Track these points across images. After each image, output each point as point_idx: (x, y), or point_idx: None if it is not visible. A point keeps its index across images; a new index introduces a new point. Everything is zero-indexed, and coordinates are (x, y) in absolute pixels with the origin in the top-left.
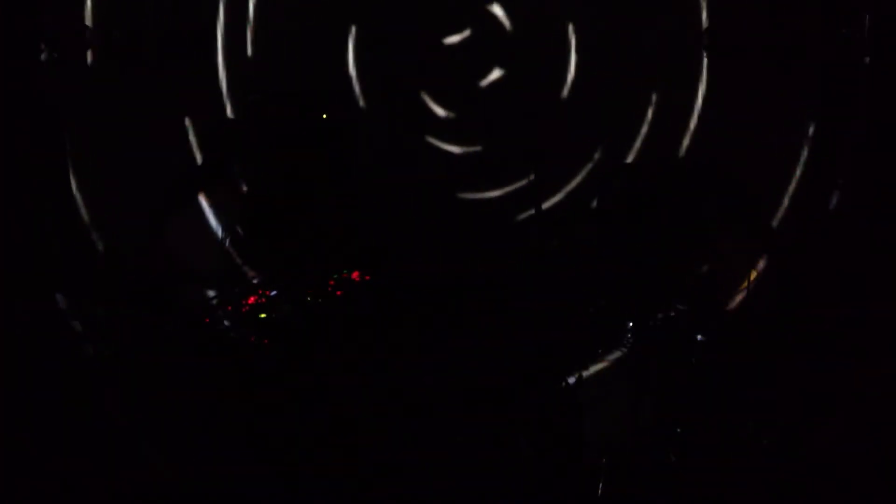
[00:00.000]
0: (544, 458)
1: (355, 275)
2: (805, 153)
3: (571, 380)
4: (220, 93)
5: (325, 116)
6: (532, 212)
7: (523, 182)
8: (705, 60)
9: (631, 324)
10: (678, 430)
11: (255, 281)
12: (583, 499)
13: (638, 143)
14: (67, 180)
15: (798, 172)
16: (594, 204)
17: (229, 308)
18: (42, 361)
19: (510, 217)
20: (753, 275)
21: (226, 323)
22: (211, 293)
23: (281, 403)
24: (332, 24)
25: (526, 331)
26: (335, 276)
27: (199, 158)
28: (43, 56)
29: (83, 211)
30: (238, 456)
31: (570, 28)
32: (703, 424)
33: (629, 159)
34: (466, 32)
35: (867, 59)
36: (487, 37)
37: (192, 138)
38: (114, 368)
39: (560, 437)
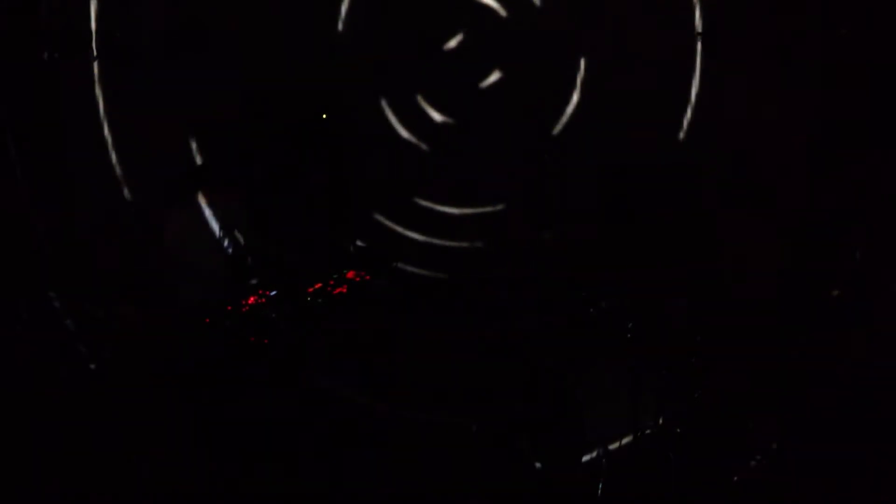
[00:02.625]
0: (544, 458)
1: (353, 275)
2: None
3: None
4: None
5: (325, 116)
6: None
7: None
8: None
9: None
10: (678, 429)
11: (254, 281)
12: (583, 499)
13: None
14: (66, 179)
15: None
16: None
17: (229, 308)
18: (37, 360)
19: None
20: None
21: (226, 323)
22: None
23: (279, 403)
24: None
25: (527, 330)
26: (335, 275)
27: (198, 158)
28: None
29: (80, 210)
30: (237, 455)
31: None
32: (703, 424)
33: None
34: (461, 36)
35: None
36: (485, 38)
37: (191, 138)
38: (110, 368)
39: (560, 438)
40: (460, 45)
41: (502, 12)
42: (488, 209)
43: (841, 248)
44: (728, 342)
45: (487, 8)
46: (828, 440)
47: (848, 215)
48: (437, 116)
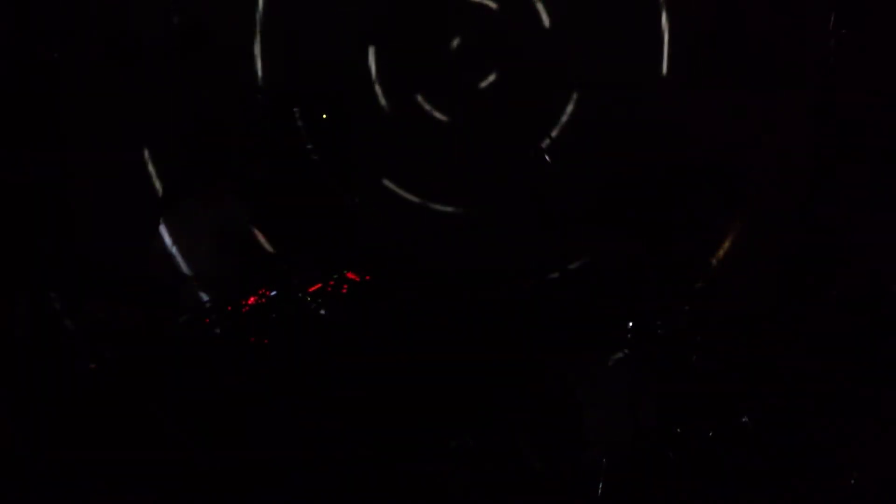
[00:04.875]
0: (544, 458)
1: (353, 275)
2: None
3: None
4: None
5: (324, 116)
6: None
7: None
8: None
9: (631, 324)
10: (678, 430)
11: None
12: (583, 499)
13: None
14: (65, 179)
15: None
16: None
17: (229, 308)
18: (36, 361)
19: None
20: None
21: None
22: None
23: (280, 404)
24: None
25: (526, 329)
26: (335, 275)
27: (194, 158)
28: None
29: (80, 210)
30: (237, 456)
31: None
32: (703, 424)
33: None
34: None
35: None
36: (483, 40)
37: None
38: (110, 369)
39: (560, 437)
40: (459, 46)
41: (501, 14)
42: (449, 209)
43: (841, 248)
44: (728, 342)
45: (487, 10)
46: (827, 439)
47: (848, 216)
48: (435, 114)
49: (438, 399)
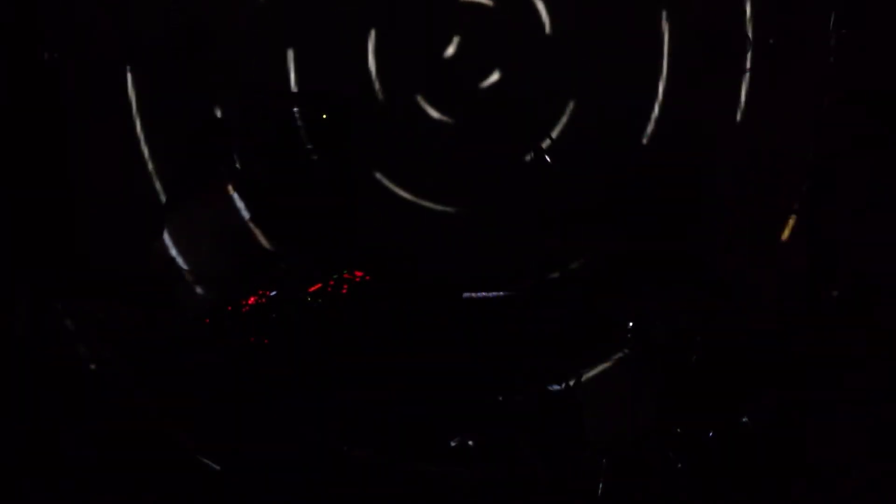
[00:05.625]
0: (544, 458)
1: (356, 274)
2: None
3: (570, 382)
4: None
5: (325, 117)
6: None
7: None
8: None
9: (631, 324)
10: (678, 429)
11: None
12: (583, 499)
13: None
14: (66, 179)
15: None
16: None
17: (229, 308)
18: (37, 360)
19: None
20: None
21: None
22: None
23: (281, 403)
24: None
25: (527, 330)
26: (335, 275)
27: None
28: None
29: (81, 210)
30: (238, 456)
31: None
32: (703, 424)
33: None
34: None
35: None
36: (483, 40)
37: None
38: (110, 369)
39: (560, 437)
40: (459, 46)
41: (501, 14)
42: (449, 209)
43: (841, 248)
44: (728, 342)
45: (487, 10)
46: (827, 439)
47: (848, 215)
48: (435, 114)
49: (438, 399)
